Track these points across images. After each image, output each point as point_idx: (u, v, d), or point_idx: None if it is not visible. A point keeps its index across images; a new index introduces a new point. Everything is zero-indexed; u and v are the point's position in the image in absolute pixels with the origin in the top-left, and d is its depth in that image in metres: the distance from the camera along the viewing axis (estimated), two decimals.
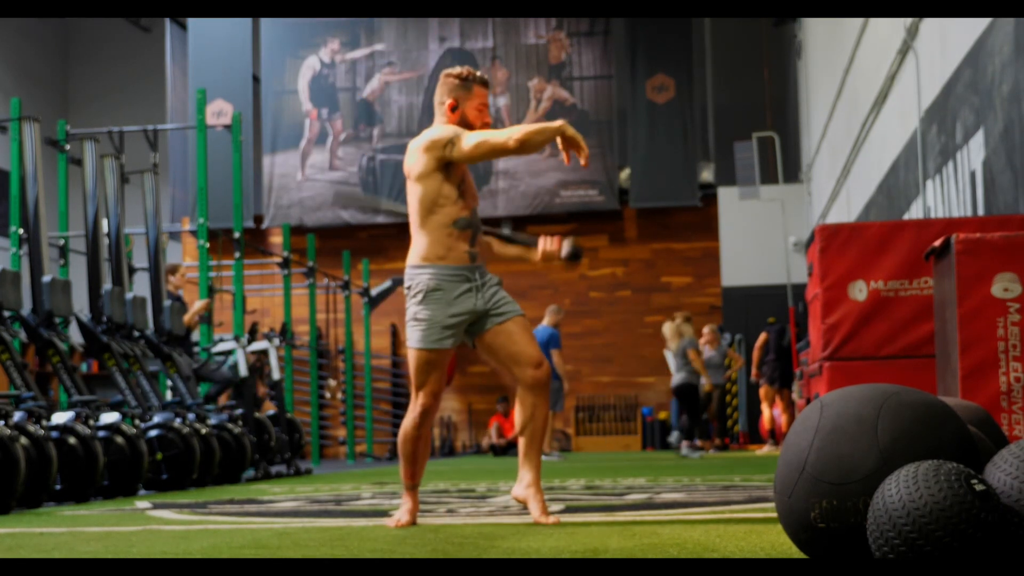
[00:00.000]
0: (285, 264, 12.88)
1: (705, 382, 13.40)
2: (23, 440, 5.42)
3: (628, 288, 17.62)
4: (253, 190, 17.14)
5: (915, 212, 8.16)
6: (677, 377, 12.90)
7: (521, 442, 4.13)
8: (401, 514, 4.11)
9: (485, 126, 4.16)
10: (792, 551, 2.76)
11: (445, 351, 4.06)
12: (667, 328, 13.19)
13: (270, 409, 10.27)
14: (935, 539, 2.00)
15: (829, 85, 13.17)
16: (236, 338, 9.61)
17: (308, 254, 14.26)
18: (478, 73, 4.20)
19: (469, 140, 4.04)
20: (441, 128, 4.12)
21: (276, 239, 17.47)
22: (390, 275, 16.96)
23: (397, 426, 17.49)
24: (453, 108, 4.15)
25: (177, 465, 7.28)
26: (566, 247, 4.21)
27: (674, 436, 13.06)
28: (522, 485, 4.09)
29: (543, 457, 12.62)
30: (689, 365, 12.81)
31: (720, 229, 16.90)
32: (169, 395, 8.95)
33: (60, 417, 6.18)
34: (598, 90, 17.47)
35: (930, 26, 7.69)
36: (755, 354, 13.63)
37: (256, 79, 17.91)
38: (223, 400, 10.36)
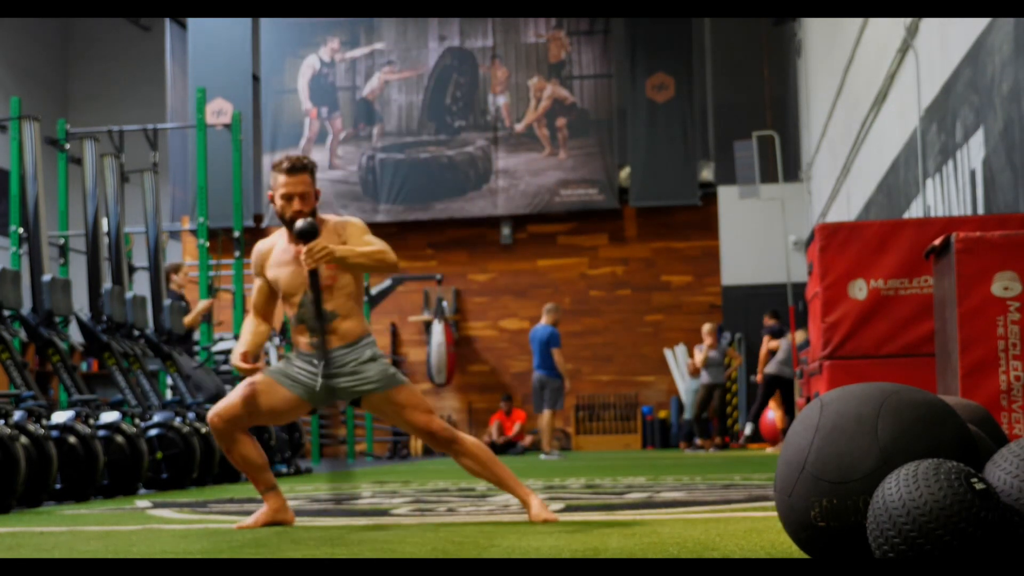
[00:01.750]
0: None
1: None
2: (23, 439, 5.42)
3: (628, 287, 17.62)
4: (253, 189, 17.14)
5: (915, 211, 8.15)
6: (786, 369, 12.93)
7: (492, 480, 4.16)
8: (252, 516, 4.21)
9: (297, 214, 4.04)
10: (792, 550, 2.77)
11: (264, 379, 4.11)
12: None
13: None
14: (935, 538, 2.00)
15: (829, 84, 13.17)
16: (236, 337, 9.60)
17: None
18: (286, 161, 4.07)
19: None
20: (259, 247, 4.22)
21: None
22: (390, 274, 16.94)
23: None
24: (272, 199, 4.14)
25: (177, 464, 7.28)
26: (298, 223, 4.00)
27: (749, 428, 13.24)
28: (527, 510, 4.12)
29: (543, 457, 12.68)
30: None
31: (720, 228, 16.89)
32: (169, 394, 8.95)
33: (60, 416, 6.18)
34: (598, 89, 17.46)
35: (930, 25, 7.69)
36: (762, 353, 13.64)
37: (256, 78, 17.91)
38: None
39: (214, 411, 4.10)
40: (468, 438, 4.14)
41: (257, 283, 4.21)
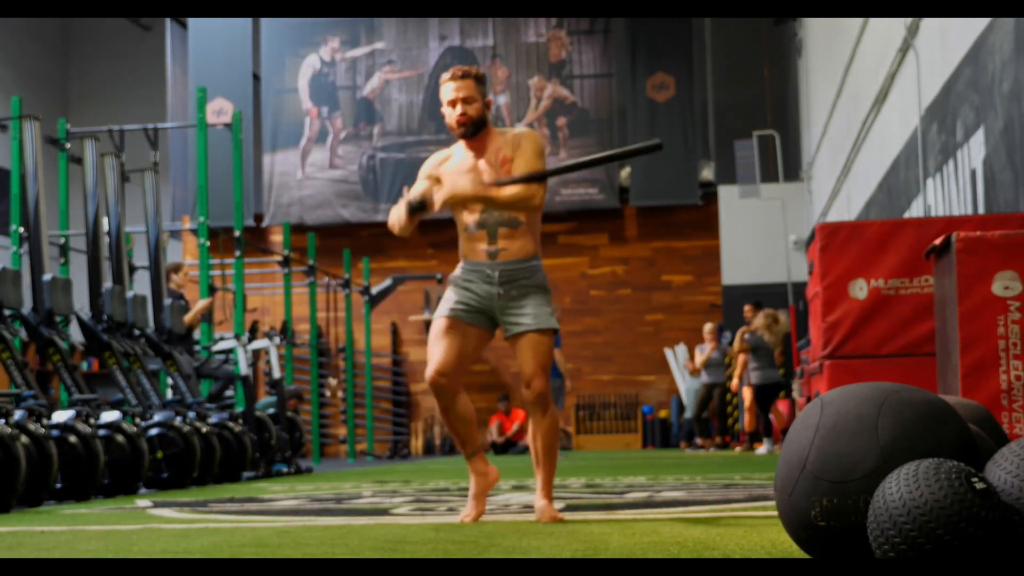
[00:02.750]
0: (285, 262, 12.88)
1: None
2: (24, 439, 5.42)
3: (628, 287, 17.62)
4: (253, 188, 17.14)
5: (915, 210, 8.15)
6: (770, 375, 12.65)
7: (533, 454, 4.22)
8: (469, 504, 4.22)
9: (463, 117, 4.09)
10: (792, 550, 2.76)
11: (450, 321, 4.12)
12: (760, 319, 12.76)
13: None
14: (936, 537, 2.00)
15: (829, 83, 13.17)
16: (237, 336, 9.61)
17: (308, 252, 14.26)
18: (449, 72, 4.16)
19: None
20: (439, 154, 4.25)
21: (276, 237, 17.48)
22: (390, 273, 16.96)
23: (398, 424, 17.50)
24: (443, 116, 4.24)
25: (178, 464, 7.28)
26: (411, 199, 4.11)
27: (767, 444, 12.89)
28: (536, 497, 4.16)
29: None
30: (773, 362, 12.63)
31: (720, 227, 16.89)
32: (170, 394, 8.96)
33: (61, 416, 6.18)
34: (598, 88, 17.46)
35: (930, 24, 7.69)
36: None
37: (256, 77, 17.91)
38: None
39: (434, 371, 4.07)
40: (552, 419, 4.15)
41: (423, 185, 4.20)
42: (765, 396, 12.74)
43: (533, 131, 4.24)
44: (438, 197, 4.08)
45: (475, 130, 4.10)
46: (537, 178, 4.06)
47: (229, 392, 11.19)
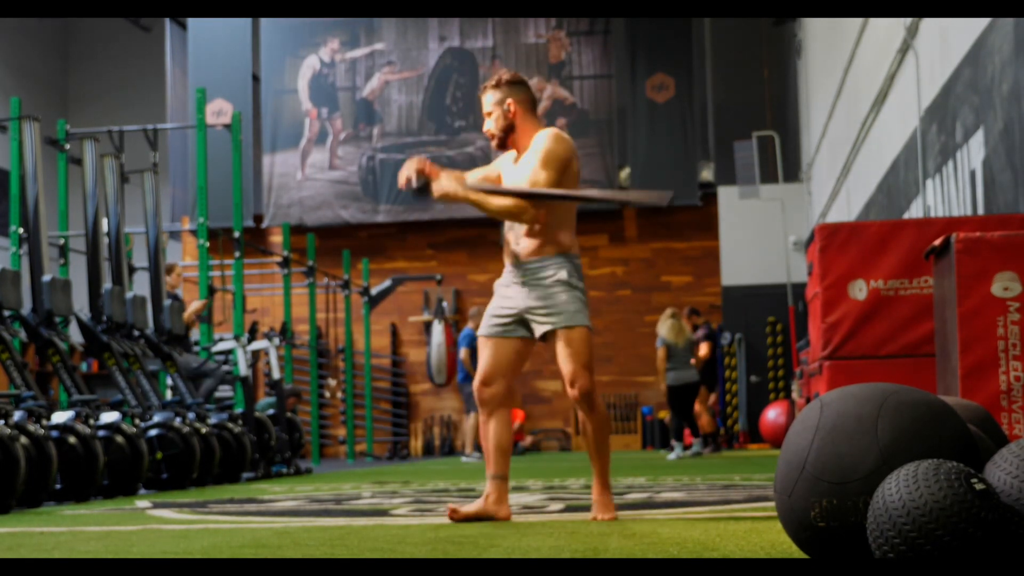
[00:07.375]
0: (285, 263, 12.88)
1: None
2: (23, 439, 5.42)
3: (628, 287, 17.62)
4: (253, 189, 17.13)
5: (915, 211, 8.15)
6: (682, 375, 12.46)
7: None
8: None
9: (488, 133, 4.35)
10: (792, 550, 2.77)
11: (490, 339, 4.25)
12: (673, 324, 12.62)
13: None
14: (935, 538, 2.00)
15: (829, 84, 13.17)
16: (236, 337, 9.61)
17: (308, 253, 14.26)
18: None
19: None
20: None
21: (276, 238, 17.47)
22: (390, 274, 16.96)
23: (397, 426, 17.49)
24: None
25: (177, 464, 7.28)
26: (415, 182, 4.24)
27: (678, 449, 12.76)
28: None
29: (464, 459, 12.93)
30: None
31: (720, 228, 16.89)
32: (169, 394, 8.96)
33: (60, 416, 6.18)
34: (598, 89, 17.46)
35: (930, 25, 7.69)
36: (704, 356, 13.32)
37: (256, 78, 17.91)
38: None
39: (478, 382, 4.23)
40: (598, 417, 4.27)
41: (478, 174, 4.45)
42: (678, 397, 12.44)
43: (553, 131, 4.24)
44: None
45: (504, 138, 4.24)
46: (514, 194, 4.12)
47: (228, 392, 11.17)
